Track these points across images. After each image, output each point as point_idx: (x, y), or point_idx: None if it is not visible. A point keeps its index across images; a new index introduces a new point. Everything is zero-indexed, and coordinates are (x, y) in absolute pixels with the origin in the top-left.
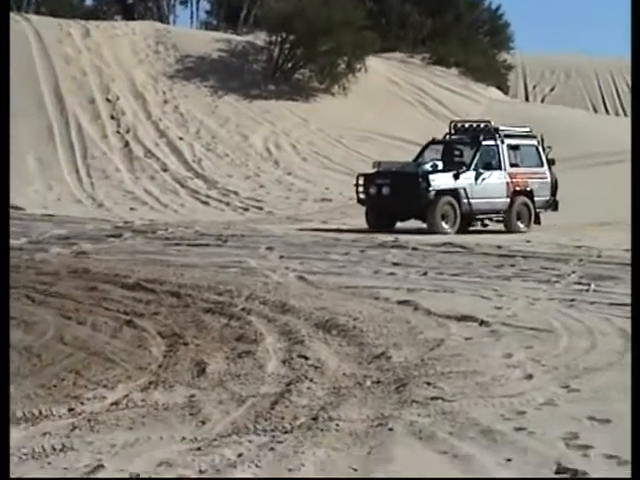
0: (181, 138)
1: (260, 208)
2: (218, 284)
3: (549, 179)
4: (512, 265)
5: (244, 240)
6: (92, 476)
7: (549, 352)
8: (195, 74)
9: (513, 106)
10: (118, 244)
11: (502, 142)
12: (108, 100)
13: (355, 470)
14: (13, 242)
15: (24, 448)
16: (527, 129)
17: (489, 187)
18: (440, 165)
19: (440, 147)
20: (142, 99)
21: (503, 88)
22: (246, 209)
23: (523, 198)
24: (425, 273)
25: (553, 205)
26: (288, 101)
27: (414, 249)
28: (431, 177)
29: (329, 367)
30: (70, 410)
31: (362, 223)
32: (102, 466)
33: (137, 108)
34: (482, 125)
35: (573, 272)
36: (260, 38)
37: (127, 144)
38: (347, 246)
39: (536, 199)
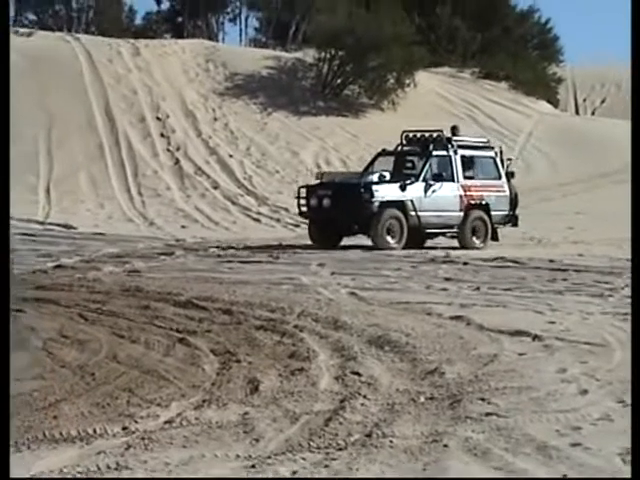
0: (231, 155)
1: None
2: (270, 301)
3: (507, 193)
4: (565, 279)
5: (295, 257)
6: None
7: (603, 367)
8: (244, 91)
9: (563, 119)
10: (170, 262)
11: (455, 153)
12: (158, 118)
13: None
14: (66, 261)
15: (79, 467)
16: (484, 140)
17: (440, 200)
18: (387, 176)
19: (392, 158)
20: (192, 117)
21: (553, 101)
22: (297, 225)
23: (478, 212)
24: (477, 288)
25: (512, 220)
26: (338, 117)
27: (465, 264)
28: (374, 188)
29: (382, 383)
30: (124, 429)
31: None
32: None
33: (187, 126)
34: (434, 135)
35: (626, 285)
36: (309, 55)
37: (177, 162)
38: (398, 262)
39: (493, 213)
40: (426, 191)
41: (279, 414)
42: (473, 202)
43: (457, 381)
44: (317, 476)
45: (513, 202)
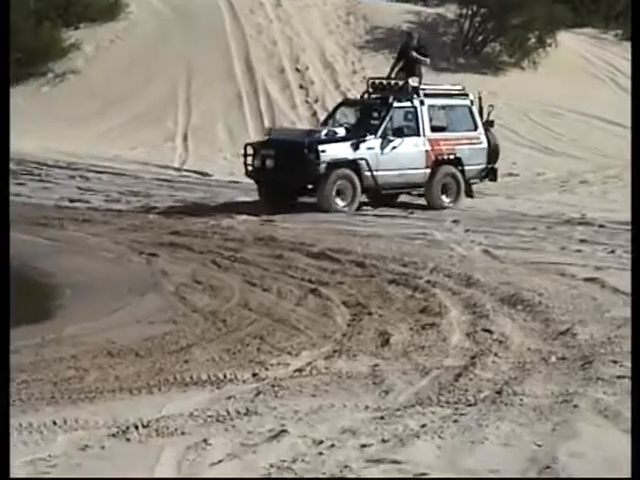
0: None
1: None
2: (403, 255)
3: (484, 144)
4: None
5: (429, 212)
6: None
7: None
8: (384, 45)
9: None
10: (304, 213)
11: (421, 103)
12: (297, 70)
13: (539, 446)
14: None
15: (209, 410)
16: (458, 87)
17: (401, 157)
18: (341, 132)
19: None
20: (331, 69)
21: None
22: None
23: (448, 168)
24: (613, 251)
25: (490, 174)
26: (477, 74)
27: (601, 226)
28: (321, 147)
29: (513, 342)
30: (254, 375)
31: (548, 199)
32: (286, 431)
33: (326, 78)
34: (400, 84)
35: None
36: (450, 11)
37: (315, 114)
38: (534, 222)
39: (467, 168)
40: (383, 148)
41: (409, 367)
42: (442, 157)
43: (589, 342)
44: (446, 431)
45: (492, 154)
